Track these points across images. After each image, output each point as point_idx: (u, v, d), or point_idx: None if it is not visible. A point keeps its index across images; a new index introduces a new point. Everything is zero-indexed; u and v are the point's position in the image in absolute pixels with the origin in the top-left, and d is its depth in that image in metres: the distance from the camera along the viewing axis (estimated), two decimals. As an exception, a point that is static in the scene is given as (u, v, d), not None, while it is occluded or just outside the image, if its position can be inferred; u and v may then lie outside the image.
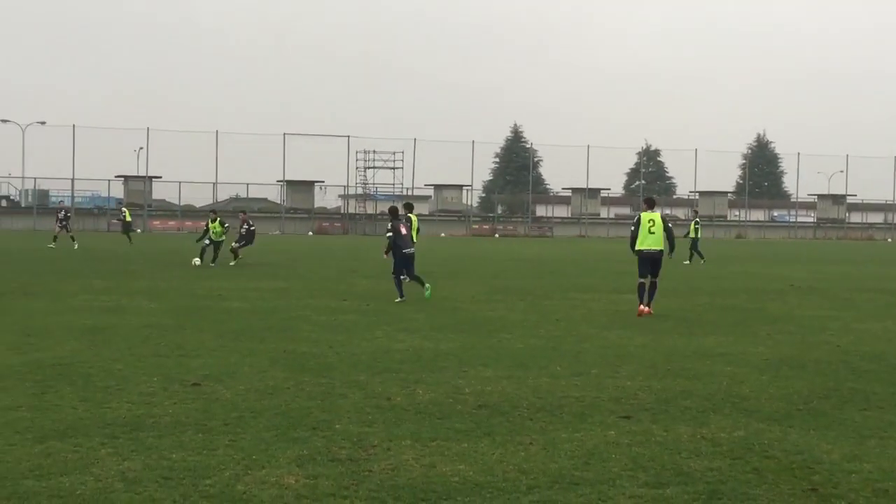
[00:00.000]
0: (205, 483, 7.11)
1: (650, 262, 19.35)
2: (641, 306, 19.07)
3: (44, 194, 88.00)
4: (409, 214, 27.23)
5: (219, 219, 33.27)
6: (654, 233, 19.38)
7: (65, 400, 9.93)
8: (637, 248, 19.42)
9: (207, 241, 32.88)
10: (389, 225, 21.67)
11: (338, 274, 29.85)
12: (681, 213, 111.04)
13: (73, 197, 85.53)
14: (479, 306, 20.31)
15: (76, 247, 45.16)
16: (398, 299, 20.74)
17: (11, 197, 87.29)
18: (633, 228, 19.64)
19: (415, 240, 25.84)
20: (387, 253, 21.63)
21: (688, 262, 39.18)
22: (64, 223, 47.98)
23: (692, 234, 40.72)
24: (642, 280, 19.32)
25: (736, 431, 8.97)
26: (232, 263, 32.39)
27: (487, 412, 9.66)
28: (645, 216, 19.52)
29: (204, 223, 33.58)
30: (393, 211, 22.42)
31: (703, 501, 6.88)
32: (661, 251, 19.48)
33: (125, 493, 6.86)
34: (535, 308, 20.08)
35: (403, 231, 21.53)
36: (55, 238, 47.03)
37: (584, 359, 13.20)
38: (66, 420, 9.03)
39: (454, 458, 7.88)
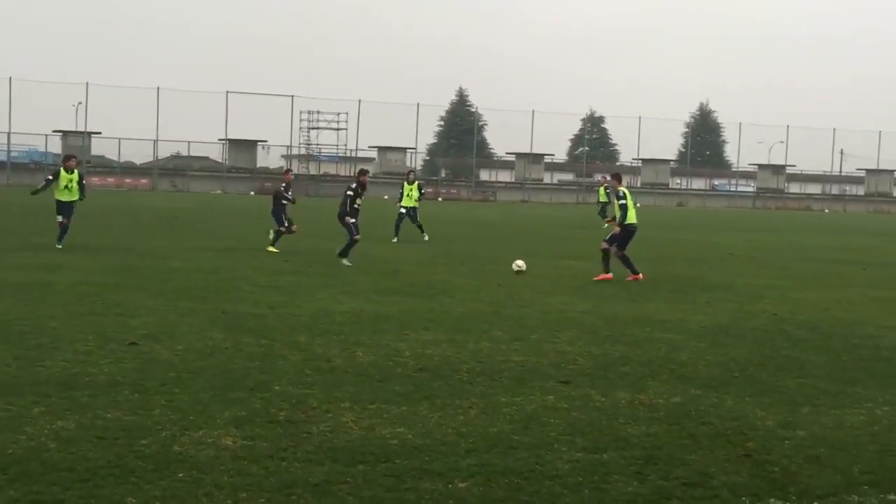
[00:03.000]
0: (140, 443, 7.03)
1: (633, 236, 19.69)
2: (640, 275, 19.27)
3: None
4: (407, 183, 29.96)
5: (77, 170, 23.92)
6: (636, 207, 19.87)
7: (-2, 357, 9.76)
8: (628, 221, 19.47)
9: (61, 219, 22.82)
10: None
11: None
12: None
13: (8, 151, 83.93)
14: (422, 270, 20.29)
15: None
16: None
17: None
18: (623, 202, 19.40)
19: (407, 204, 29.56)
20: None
21: (607, 226, 39.88)
22: None
23: (602, 199, 41.60)
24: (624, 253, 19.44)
25: (673, 397, 9.06)
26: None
27: (427, 375, 9.66)
28: (628, 192, 19.76)
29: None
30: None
31: (640, 466, 6.94)
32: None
33: (58, 452, 6.76)
34: (477, 272, 20.10)
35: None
36: None
37: (525, 324, 13.24)
38: (-1, 378, 8.88)
39: (393, 421, 7.87)
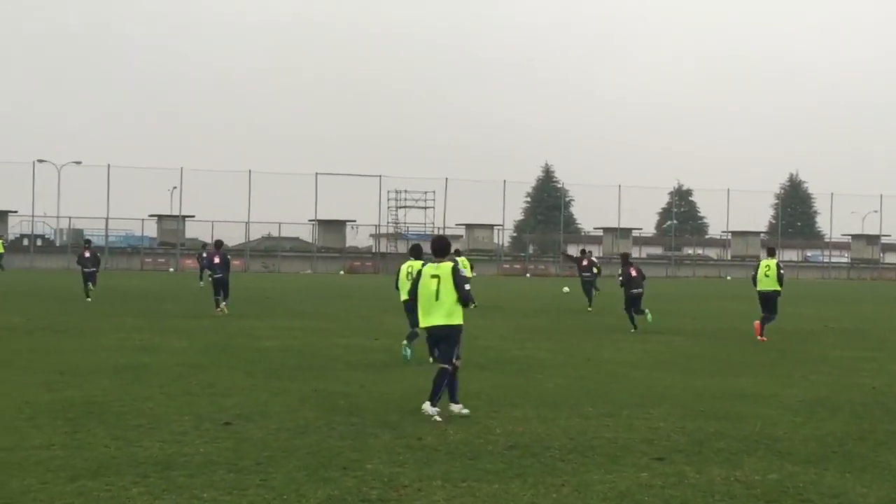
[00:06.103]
0: (235, 522, 7.10)
1: (763, 300, 22.90)
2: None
3: (78, 233, 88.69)
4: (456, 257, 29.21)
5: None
6: (768, 276, 22.80)
7: (97, 438, 9.98)
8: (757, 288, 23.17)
9: None
10: None
11: (369, 313, 29.87)
12: (713, 253, 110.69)
13: (106, 236, 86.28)
14: (508, 345, 20.26)
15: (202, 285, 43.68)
16: None
17: (46, 236, 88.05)
18: (753, 273, 23.69)
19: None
20: None
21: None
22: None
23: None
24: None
25: (770, 474, 8.88)
26: None
27: (518, 453, 9.62)
28: (763, 263, 23.33)
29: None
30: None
31: (737, 545, 6.81)
32: (775, 291, 22.78)
33: (156, 532, 6.86)
34: (562, 347, 20.01)
35: None
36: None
37: (615, 399, 13.12)
38: (98, 459, 9.07)
39: (485, 500, 7.85)
